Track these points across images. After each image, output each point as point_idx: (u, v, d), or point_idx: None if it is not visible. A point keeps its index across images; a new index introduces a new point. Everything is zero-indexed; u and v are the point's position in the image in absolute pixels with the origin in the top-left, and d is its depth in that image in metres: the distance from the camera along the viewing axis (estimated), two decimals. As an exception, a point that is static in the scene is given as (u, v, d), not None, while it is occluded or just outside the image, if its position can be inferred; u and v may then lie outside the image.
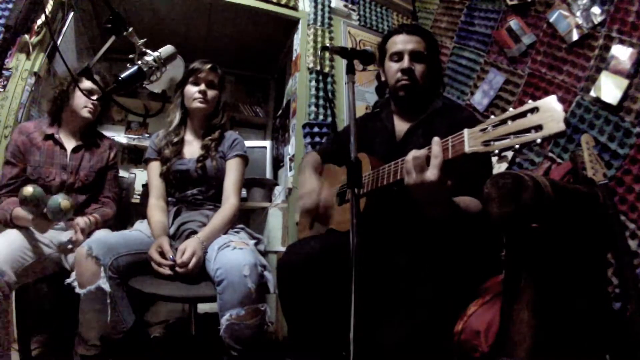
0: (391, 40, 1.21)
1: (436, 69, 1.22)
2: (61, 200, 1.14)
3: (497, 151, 0.67)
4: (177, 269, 1.14)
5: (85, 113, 1.45)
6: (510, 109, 0.67)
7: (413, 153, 0.81)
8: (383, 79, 1.27)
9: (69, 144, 1.46)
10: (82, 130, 1.51)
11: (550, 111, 0.60)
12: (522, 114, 0.64)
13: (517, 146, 0.64)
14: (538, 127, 0.61)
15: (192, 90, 1.42)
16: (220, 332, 1.05)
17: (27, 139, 1.39)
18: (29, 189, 1.12)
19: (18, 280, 1.15)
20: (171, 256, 1.16)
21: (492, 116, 0.71)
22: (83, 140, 1.49)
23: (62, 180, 1.40)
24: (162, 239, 1.21)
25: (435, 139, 0.78)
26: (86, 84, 1.42)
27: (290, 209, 1.97)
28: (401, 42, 1.18)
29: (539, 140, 0.61)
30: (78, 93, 1.43)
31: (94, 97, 1.40)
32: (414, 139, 1.15)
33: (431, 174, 0.77)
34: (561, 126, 0.59)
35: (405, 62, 1.15)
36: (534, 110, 0.62)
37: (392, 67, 1.19)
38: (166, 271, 1.14)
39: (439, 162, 0.76)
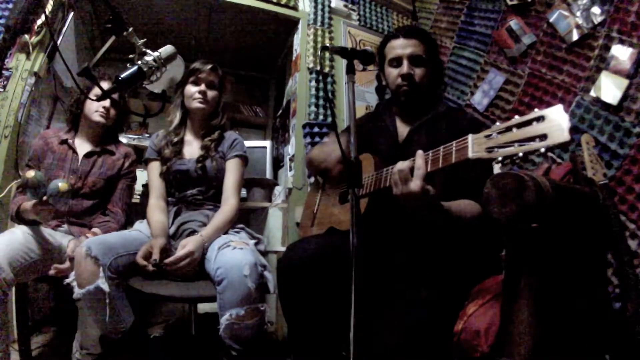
0: (389, 45, 1.20)
1: (437, 70, 1.22)
2: (60, 183, 1.15)
3: (500, 158, 0.67)
4: (168, 267, 1.13)
5: (97, 117, 1.47)
6: (516, 117, 0.67)
7: (398, 166, 0.86)
8: (384, 83, 1.27)
9: (83, 149, 1.49)
10: (99, 137, 1.53)
11: (556, 120, 0.60)
12: (528, 122, 0.64)
13: (520, 154, 0.64)
14: (543, 136, 0.61)
15: (192, 90, 1.43)
16: (219, 331, 1.05)
17: (44, 143, 1.46)
18: (30, 173, 1.14)
19: (17, 278, 1.16)
20: (156, 259, 1.14)
21: (492, 116, 0.71)
22: (98, 146, 1.51)
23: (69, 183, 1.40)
24: (155, 241, 1.20)
25: (419, 152, 0.84)
26: (98, 89, 1.43)
27: (290, 208, 1.98)
28: (399, 47, 1.17)
29: (543, 150, 0.61)
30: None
31: (97, 99, 1.40)
32: (417, 140, 1.15)
33: (414, 184, 0.83)
34: (566, 136, 0.59)
35: (405, 68, 1.15)
36: (540, 118, 0.62)
37: (392, 72, 1.19)
38: (149, 268, 1.14)
39: (421, 174, 0.82)
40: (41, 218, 1.22)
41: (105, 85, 1.35)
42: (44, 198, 1.16)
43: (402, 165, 0.86)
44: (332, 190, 1.29)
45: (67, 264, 1.20)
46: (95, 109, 1.46)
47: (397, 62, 1.17)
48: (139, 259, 1.14)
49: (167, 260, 1.13)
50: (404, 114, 1.24)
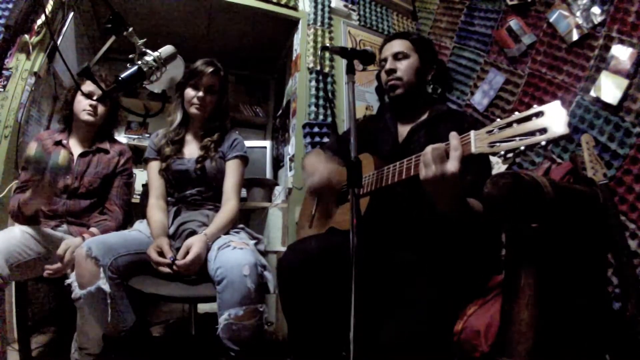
0: (381, 51, 1.29)
1: (428, 64, 1.24)
2: (60, 155, 1.15)
3: (502, 152, 0.68)
4: (176, 267, 1.14)
5: (85, 116, 1.46)
6: (516, 113, 0.69)
7: (431, 146, 0.81)
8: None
9: (77, 149, 1.49)
10: (93, 136, 1.53)
11: (555, 115, 0.63)
12: (528, 118, 0.66)
13: (522, 148, 0.66)
14: (543, 130, 0.63)
15: (190, 94, 1.42)
16: (217, 331, 1.04)
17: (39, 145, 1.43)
18: (31, 149, 1.14)
19: (13, 275, 1.16)
20: (170, 256, 1.15)
21: (492, 116, 0.72)
22: (92, 146, 1.51)
23: (65, 184, 1.40)
24: (161, 240, 1.21)
25: (453, 133, 0.79)
26: (87, 87, 1.43)
27: (290, 209, 1.98)
28: (385, 49, 1.26)
29: (543, 143, 0.63)
30: (78, 98, 1.46)
31: (93, 98, 1.40)
32: (416, 140, 1.15)
33: (452, 165, 0.77)
34: (565, 129, 0.61)
35: (388, 64, 1.22)
36: (539, 114, 0.65)
37: (382, 72, 1.26)
38: (165, 269, 1.14)
39: (458, 155, 0.77)
40: (43, 197, 1.21)
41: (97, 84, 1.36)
42: (45, 172, 1.15)
43: (435, 145, 0.80)
44: (331, 189, 1.29)
45: (58, 265, 1.19)
46: (82, 107, 1.46)
47: (384, 62, 1.25)
48: (158, 259, 1.14)
49: (178, 263, 1.13)
50: (403, 114, 1.25)
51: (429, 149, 0.80)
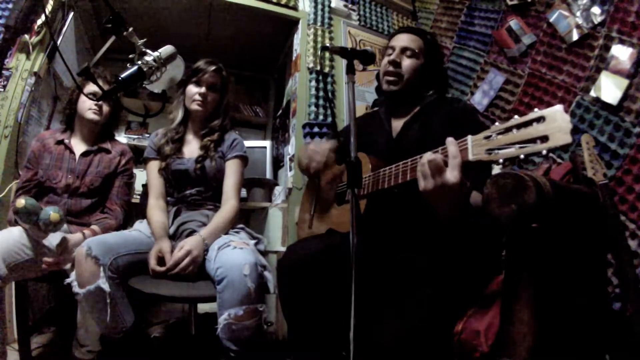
0: (391, 39, 1.25)
1: (432, 70, 1.21)
2: (51, 212, 1.16)
3: (501, 160, 0.65)
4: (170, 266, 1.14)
5: (90, 115, 1.47)
6: (516, 117, 0.66)
7: (427, 156, 0.77)
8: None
9: (79, 148, 1.50)
10: (95, 135, 1.54)
11: (557, 121, 0.59)
12: (528, 123, 0.63)
13: (521, 156, 0.63)
14: (544, 138, 0.60)
15: (192, 90, 1.43)
16: (217, 331, 1.04)
17: (41, 144, 1.47)
18: (21, 201, 1.14)
19: (12, 275, 1.16)
20: (170, 263, 1.15)
21: (492, 116, 0.71)
22: (94, 145, 1.52)
23: (67, 183, 1.41)
24: (163, 243, 1.21)
25: (450, 139, 0.75)
26: (90, 87, 1.44)
27: (290, 209, 1.97)
28: (397, 39, 1.22)
29: (544, 152, 0.60)
30: (82, 97, 1.47)
31: (97, 98, 1.40)
32: (410, 133, 1.15)
33: (452, 175, 0.73)
34: (567, 138, 0.57)
35: (394, 55, 1.18)
36: (540, 119, 0.61)
37: (383, 60, 1.22)
38: (159, 271, 1.14)
39: (458, 163, 0.73)
40: (36, 237, 1.23)
41: (100, 83, 1.36)
42: (37, 223, 1.17)
43: (432, 155, 0.77)
44: (329, 190, 1.29)
45: (55, 257, 1.20)
46: (88, 107, 1.47)
47: (391, 50, 1.21)
48: (156, 267, 1.15)
49: (168, 266, 1.14)
50: (396, 109, 1.23)
51: (425, 159, 0.77)
